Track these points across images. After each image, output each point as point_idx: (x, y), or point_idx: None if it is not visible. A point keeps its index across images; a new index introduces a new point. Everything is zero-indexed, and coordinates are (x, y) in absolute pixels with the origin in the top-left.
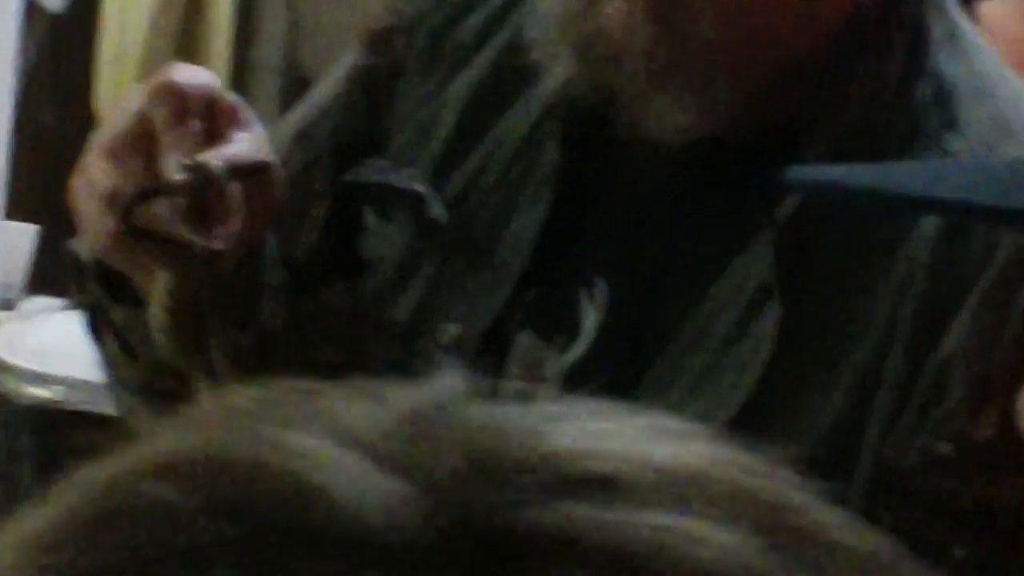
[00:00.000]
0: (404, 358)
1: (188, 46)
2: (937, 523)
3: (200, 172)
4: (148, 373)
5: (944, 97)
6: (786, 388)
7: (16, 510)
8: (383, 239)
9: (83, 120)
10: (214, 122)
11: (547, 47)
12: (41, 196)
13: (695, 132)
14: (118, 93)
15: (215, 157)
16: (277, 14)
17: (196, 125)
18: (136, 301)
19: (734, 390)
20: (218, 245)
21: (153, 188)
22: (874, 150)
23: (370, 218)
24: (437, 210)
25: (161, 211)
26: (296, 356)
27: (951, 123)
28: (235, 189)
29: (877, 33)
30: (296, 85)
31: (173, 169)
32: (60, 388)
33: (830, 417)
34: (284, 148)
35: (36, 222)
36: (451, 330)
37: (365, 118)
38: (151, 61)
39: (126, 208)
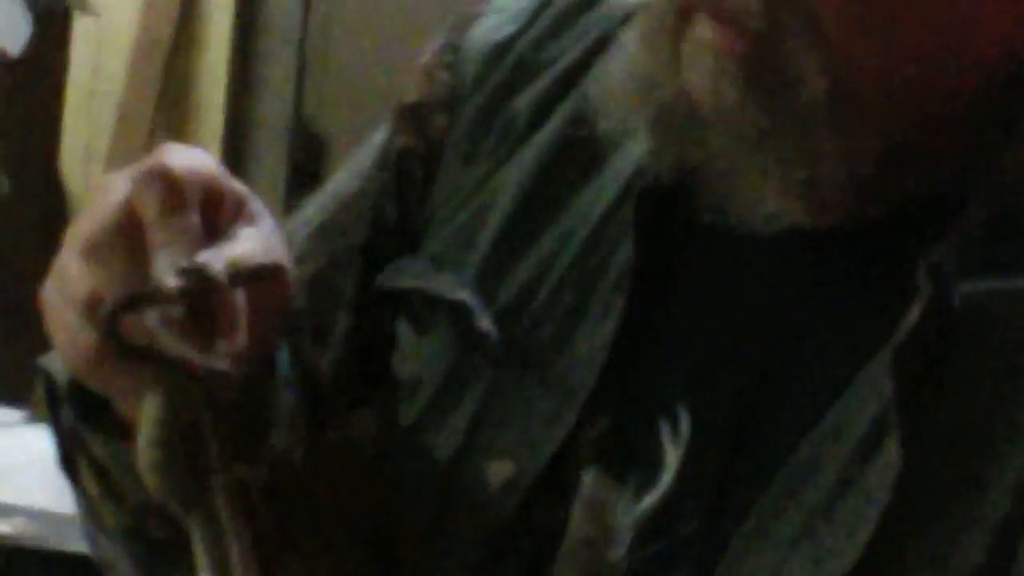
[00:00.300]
0: (446, 503)
1: (175, 97)
2: None
3: (198, 276)
4: (134, 517)
5: None
6: (907, 547)
7: None
8: (420, 357)
9: (46, 189)
10: (215, 215)
11: (618, 118)
12: None
13: (798, 219)
14: (88, 157)
15: (216, 258)
16: (283, 59)
17: (193, 219)
18: (121, 431)
19: (842, 548)
20: (220, 364)
21: (142, 296)
22: (1017, 251)
23: (405, 331)
24: (485, 323)
25: (152, 323)
26: (315, 497)
27: None
28: (240, 296)
29: (1005, 126)
30: (306, 146)
31: (165, 272)
32: (19, 520)
33: None
34: (302, 246)
35: None
36: (503, 468)
37: (399, 210)
38: (130, 116)
39: (109, 319)
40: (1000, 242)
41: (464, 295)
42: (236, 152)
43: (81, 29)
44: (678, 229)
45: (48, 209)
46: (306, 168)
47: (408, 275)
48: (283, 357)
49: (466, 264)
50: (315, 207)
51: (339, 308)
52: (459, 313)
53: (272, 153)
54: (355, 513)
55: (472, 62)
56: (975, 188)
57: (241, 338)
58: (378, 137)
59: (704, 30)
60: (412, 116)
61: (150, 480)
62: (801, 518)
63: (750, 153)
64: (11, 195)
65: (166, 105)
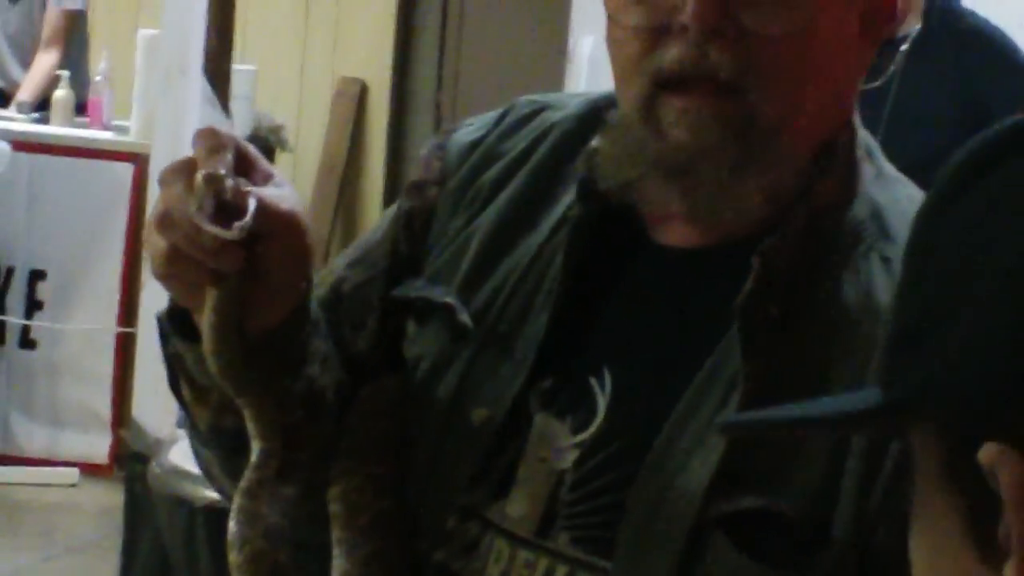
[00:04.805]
0: (443, 436)
1: (346, 206)
2: None
3: (215, 183)
4: (215, 414)
5: (878, 215)
6: (751, 452)
7: None
8: (421, 342)
9: None
10: (249, 178)
11: (617, 174)
12: None
13: (700, 240)
14: None
15: (236, 187)
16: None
17: (227, 157)
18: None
19: (717, 452)
20: (232, 234)
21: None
22: (826, 250)
23: (410, 325)
24: (464, 318)
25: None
26: (354, 430)
27: (885, 234)
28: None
29: (821, 168)
30: None
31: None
32: None
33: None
34: (341, 271)
35: None
36: (480, 414)
37: (408, 247)
38: (317, 221)
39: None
40: (810, 250)
41: (451, 299)
42: None
43: (282, 160)
44: (600, 251)
45: None
46: None
47: (413, 288)
48: (317, 314)
49: (452, 280)
50: (353, 247)
51: (370, 310)
52: (447, 312)
53: None
54: (385, 441)
55: (455, 154)
56: (796, 207)
57: (247, 219)
58: (395, 205)
59: (674, 102)
60: (415, 189)
61: (212, 365)
62: (693, 434)
63: (729, 178)
64: None
65: (340, 213)
